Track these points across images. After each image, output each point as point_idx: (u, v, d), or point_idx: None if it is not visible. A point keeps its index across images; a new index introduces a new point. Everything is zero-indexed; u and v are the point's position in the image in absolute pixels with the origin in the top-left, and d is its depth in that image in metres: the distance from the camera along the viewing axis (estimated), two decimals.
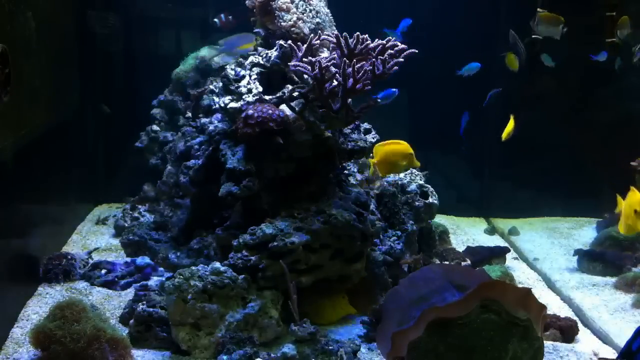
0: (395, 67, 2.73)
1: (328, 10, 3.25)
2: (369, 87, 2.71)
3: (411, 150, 3.03)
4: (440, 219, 4.07)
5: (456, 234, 4.38)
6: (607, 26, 3.96)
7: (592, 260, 3.65)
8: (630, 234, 2.96)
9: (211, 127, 3.14)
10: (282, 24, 3.03)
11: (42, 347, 2.32)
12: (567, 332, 2.82)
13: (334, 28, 3.22)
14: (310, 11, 3.11)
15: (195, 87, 4.19)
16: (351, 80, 2.67)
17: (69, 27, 4.13)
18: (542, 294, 3.38)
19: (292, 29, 3.01)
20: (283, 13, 3.03)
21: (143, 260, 3.34)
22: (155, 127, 4.34)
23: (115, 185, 4.76)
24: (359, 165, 3.50)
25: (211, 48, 4.16)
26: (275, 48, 2.99)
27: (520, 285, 3.40)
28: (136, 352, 2.53)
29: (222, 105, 2.98)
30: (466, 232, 4.47)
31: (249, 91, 2.94)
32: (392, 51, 2.73)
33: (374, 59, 2.69)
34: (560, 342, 2.78)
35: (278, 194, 2.86)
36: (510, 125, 3.67)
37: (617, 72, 3.95)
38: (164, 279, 3.06)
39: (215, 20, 3.93)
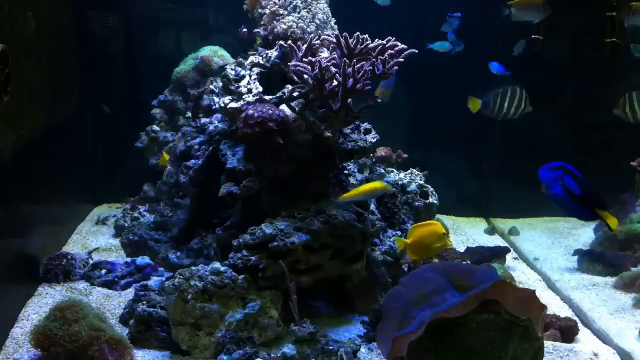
0: (396, 67, 2.73)
1: (327, 9, 3.25)
2: (369, 87, 2.71)
3: (443, 230, 2.79)
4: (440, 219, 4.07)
5: (456, 234, 4.38)
6: (607, 26, 3.96)
7: (592, 260, 3.65)
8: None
9: (211, 127, 3.14)
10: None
11: (42, 347, 2.32)
12: (567, 332, 2.82)
13: (333, 25, 3.22)
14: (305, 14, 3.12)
15: (195, 87, 4.20)
16: (351, 80, 2.67)
17: (69, 27, 4.12)
18: (542, 294, 3.37)
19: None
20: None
21: (143, 260, 3.34)
22: (155, 127, 4.34)
23: (115, 185, 4.76)
24: (359, 165, 3.50)
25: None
26: (275, 48, 2.99)
27: (520, 285, 3.40)
28: (136, 352, 2.53)
29: (222, 105, 2.98)
30: (466, 232, 4.47)
31: (249, 91, 2.94)
32: (392, 51, 2.73)
33: (374, 59, 2.69)
34: (560, 342, 2.78)
35: (278, 194, 2.86)
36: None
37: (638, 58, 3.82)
38: (164, 279, 3.06)
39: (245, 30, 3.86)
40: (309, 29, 3.06)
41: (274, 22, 3.09)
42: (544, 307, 2.09)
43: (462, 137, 4.67)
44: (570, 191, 2.47)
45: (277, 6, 3.11)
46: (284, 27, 3.05)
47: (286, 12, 3.09)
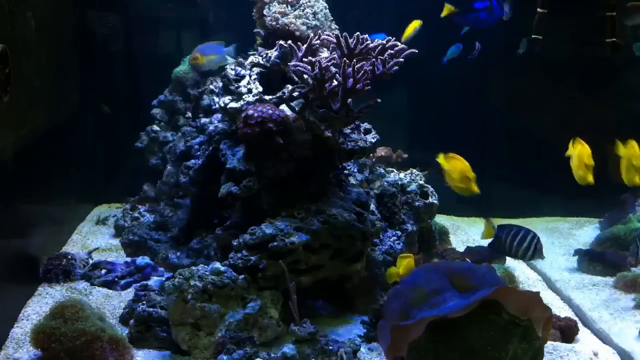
0: (395, 67, 2.73)
1: (327, 10, 3.25)
2: (369, 87, 2.71)
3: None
4: (440, 219, 4.07)
5: (456, 234, 4.38)
6: (607, 26, 3.95)
7: (592, 260, 3.64)
8: (583, 183, 3.15)
9: (211, 127, 3.14)
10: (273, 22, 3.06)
11: (42, 347, 2.32)
12: (567, 332, 2.82)
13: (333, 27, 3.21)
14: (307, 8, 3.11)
15: (195, 87, 4.19)
16: (351, 80, 2.67)
17: (69, 27, 4.13)
18: (542, 294, 3.36)
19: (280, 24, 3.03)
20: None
21: (143, 260, 3.34)
22: (155, 127, 4.34)
23: (115, 185, 4.76)
24: (359, 165, 3.50)
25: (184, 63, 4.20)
26: (275, 48, 2.99)
27: (521, 286, 3.40)
28: (136, 352, 2.53)
29: (222, 105, 2.98)
30: (466, 232, 4.47)
31: (249, 91, 2.94)
32: (392, 51, 2.73)
33: (374, 59, 2.69)
34: (560, 342, 2.78)
35: (278, 194, 2.86)
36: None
37: None
38: (164, 279, 3.07)
39: None
40: (311, 23, 3.04)
41: (275, 19, 3.09)
42: (546, 309, 2.09)
43: (462, 137, 4.66)
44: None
45: (280, 6, 3.11)
46: (286, 22, 3.03)
47: (289, 10, 3.08)
